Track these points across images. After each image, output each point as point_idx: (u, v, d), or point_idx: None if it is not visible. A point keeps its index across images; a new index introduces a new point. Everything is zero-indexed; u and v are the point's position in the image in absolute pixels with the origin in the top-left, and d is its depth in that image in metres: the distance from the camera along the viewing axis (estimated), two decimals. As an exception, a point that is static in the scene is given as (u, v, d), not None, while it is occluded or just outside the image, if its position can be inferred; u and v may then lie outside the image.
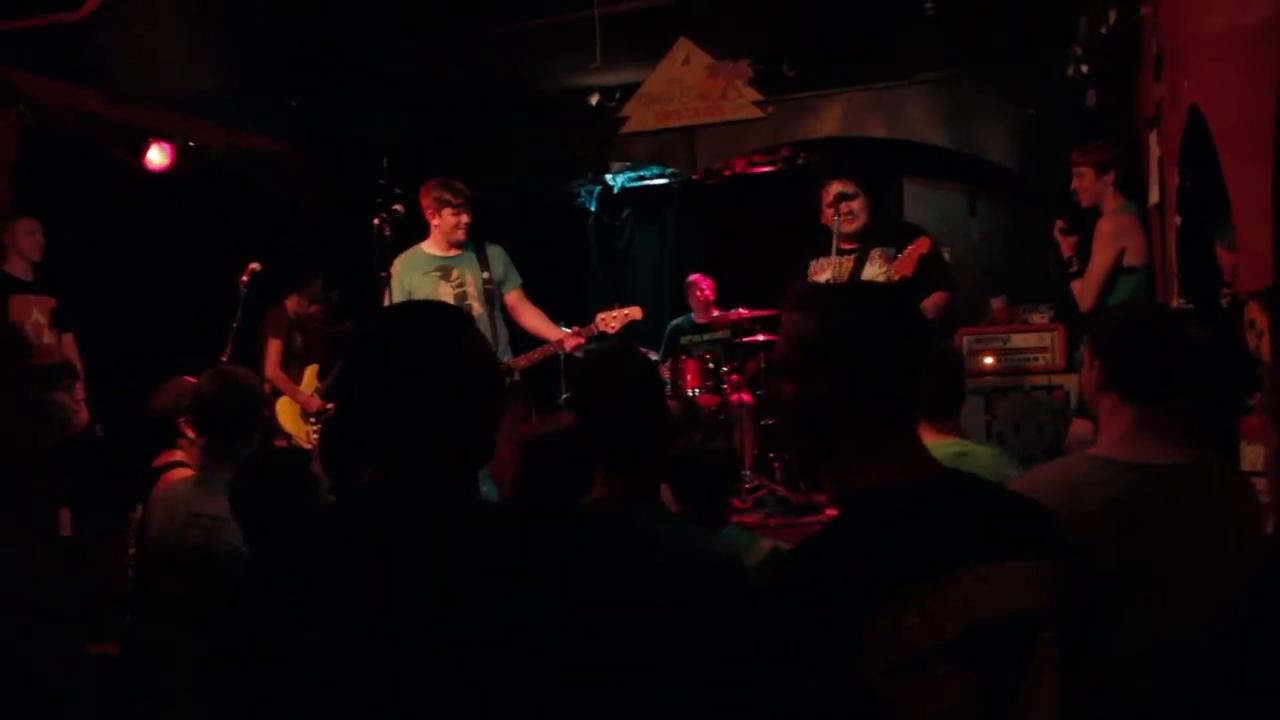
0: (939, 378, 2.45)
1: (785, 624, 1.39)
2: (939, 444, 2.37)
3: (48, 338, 5.17)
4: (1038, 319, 5.73)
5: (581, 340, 4.80)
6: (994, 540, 1.43)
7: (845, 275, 4.49)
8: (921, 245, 4.29)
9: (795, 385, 1.52)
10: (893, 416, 1.50)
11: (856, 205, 4.61)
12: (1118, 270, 4.29)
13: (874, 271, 4.55)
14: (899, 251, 4.46)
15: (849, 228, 4.61)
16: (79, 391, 3.11)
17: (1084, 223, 4.48)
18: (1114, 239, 4.28)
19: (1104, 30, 4.49)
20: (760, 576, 1.52)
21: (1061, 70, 5.02)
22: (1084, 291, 4.40)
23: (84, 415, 3.16)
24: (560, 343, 4.83)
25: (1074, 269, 4.46)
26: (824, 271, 4.71)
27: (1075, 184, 4.46)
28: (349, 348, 1.54)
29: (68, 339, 5.26)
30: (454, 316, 1.57)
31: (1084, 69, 4.81)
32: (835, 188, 4.67)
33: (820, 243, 4.72)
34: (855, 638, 1.32)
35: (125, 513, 3.43)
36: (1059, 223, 4.53)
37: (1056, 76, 5.14)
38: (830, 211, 4.67)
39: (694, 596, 1.76)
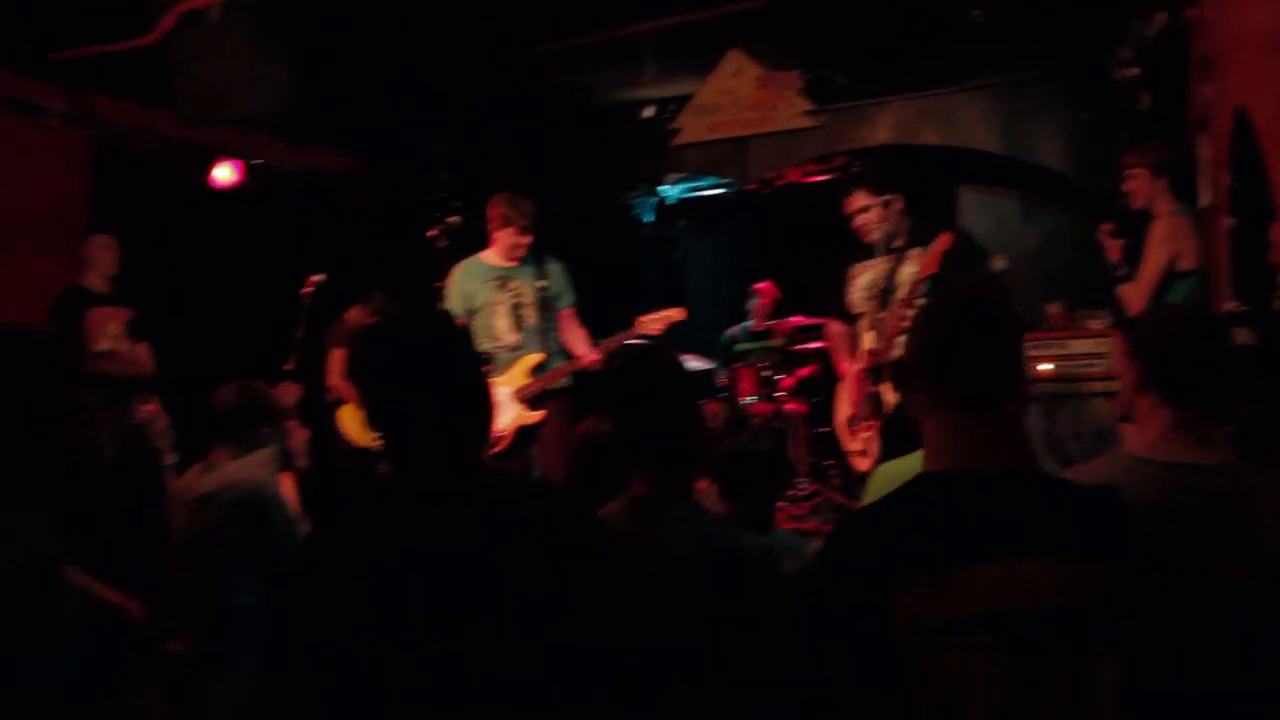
0: None
1: (827, 580, 1.57)
2: None
3: (123, 348, 5.38)
4: (1096, 324, 5.66)
5: (599, 357, 4.91)
6: (1031, 538, 1.52)
7: (883, 277, 4.49)
8: (943, 241, 4.27)
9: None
10: (972, 405, 1.62)
11: (873, 215, 4.59)
12: (1172, 274, 4.25)
13: (909, 271, 4.54)
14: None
15: (871, 238, 4.61)
16: (153, 403, 3.32)
17: (1133, 226, 4.44)
18: (1168, 242, 4.24)
19: (1153, 33, 4.45)
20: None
21: (1111, 73, 4.97)
22: (1135, 295, 4.36)
23: (162, 422, 3.37)
24: (580, 358, 4.98)
25: (1121, 273, 4.42)
26: (863, 274, 4.72)
27: (1129, 186, 4.42)
28: (355, 352, 1.66)
29: (142, 348, 5.46)
30: (438, 326, 1.71)
31: (1134, 72, 4.76)
32: (851, 203, 4.67)
33: (864, 247, 4.73)
34: (885, 600, 1.47)
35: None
36: (1105, 226, 4.50)
37: (1107, 80, 5.09)
38: (854, 222, 4.68)
39: (720, 587, 1.81)
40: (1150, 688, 1.86)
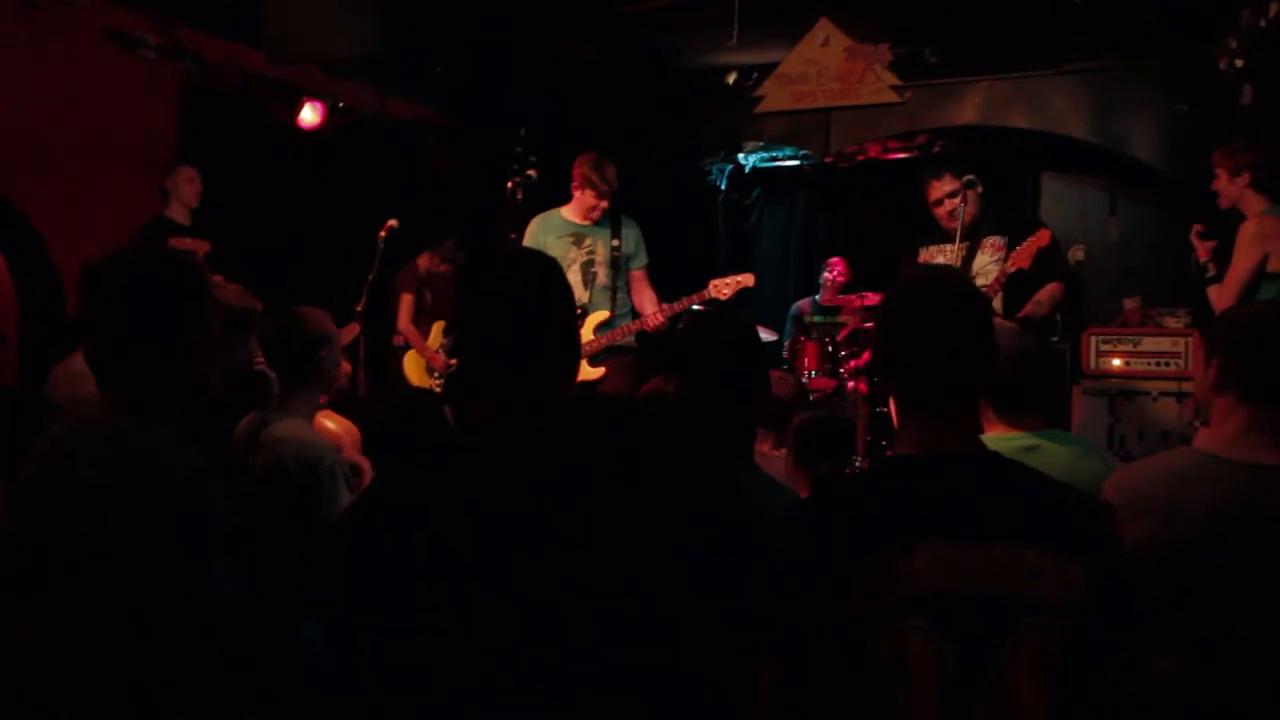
0: (1008, 373, 2.38)
1: (787, 552, 1.55)
2: (1004, 437, 2.34)
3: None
4: (1173, 323, 5.54)
5: (662, 320, 4.92)
6: (985, 522, 1.49)
7: (959, 263, 4.42)
8: (1041, 238, 4.19)
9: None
10: (926, 398, 1.60)
11: (956, 202, 4.53)
12: (1260, 275, 4.13)
13: (985, 260, 4.47)
14: (1014, 241, 4.36)
15: (952, 224, 4.53)
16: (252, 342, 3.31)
17: (1224, 227, 4.33)
18: (1256, 242, 4.13)
19: (1263, 23, 4.30)
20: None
21: (1215, 64, 4.81)
22: (1223, 296, 4.25)
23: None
24: (644, 321, 4.99)
25: (1210, 274, 4.32)
26: (935, 259, 4.66)
27: (1214, 185, 4.32)
28: (458, 291, 1.68)
29: (217, 280, 5.59)
30: (544, 262, 1.71)
31: (1239, 63, 4.60)
32: (936, 189, 4.59)
33: (935, 230, 4.66)
34: (839, 572, 1.48)
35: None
36: (1196, 227, 4.40)
37: (1210, 71, 4.92)
38: (937, 210, 4.62)
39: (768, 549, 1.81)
40: (1206, 682, 1.83)
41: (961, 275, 4.15)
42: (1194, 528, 1.89)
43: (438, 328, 6.37)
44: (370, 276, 5.54)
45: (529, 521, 1.44)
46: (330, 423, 3.11)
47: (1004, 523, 1.50)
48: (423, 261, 6.41)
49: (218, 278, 5.54)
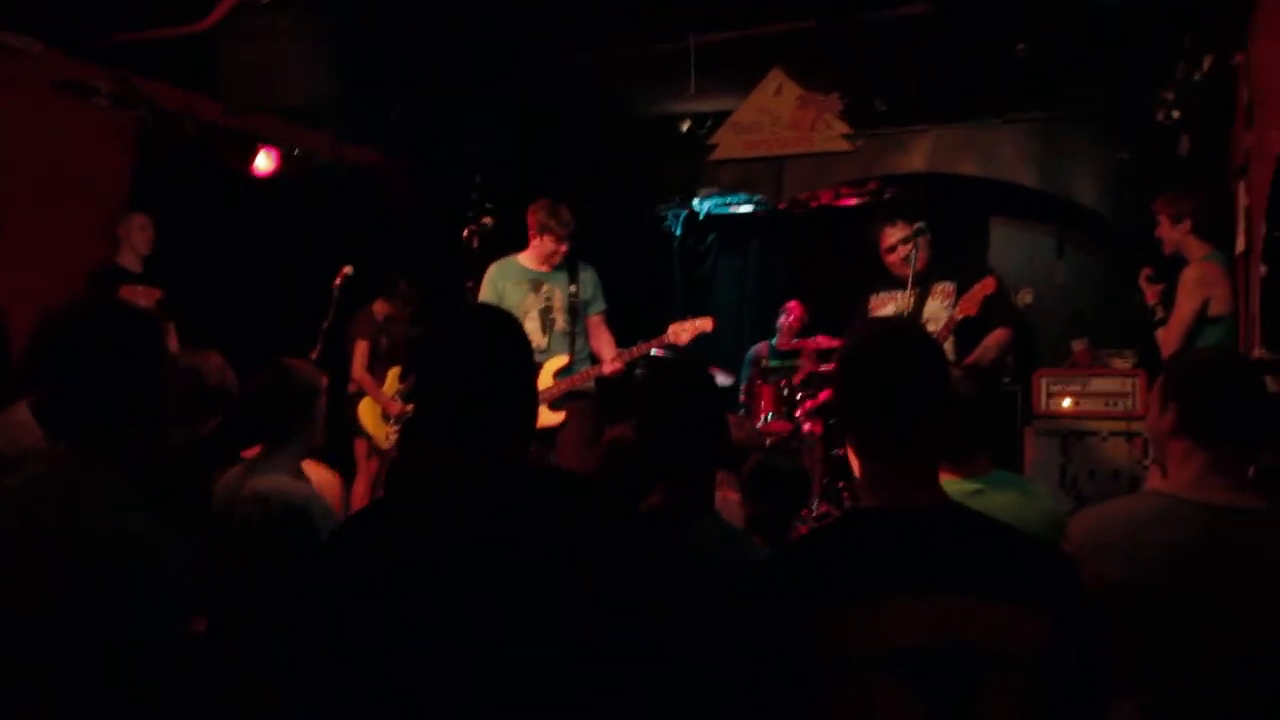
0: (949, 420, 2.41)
1: (749, 612, 1.53)
2: (949, 483, 2.32)
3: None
4: (1120, 364, 5.65)
5: (620, 366, 4.94)
6: (951, 575, 1.49)
7: (909, 309, 4.49)
8: (987, 285, 4.28)
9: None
10: (888, 447, 1.59)
11: (907, 249, 4.61)
12: (1203, 319, 4.25)
13: (936, 306, 4.54)
14: (964, 286, 4.44)
15: (907, 270, 4.61)
16: None
17: (1171, 271, 4.45)
18: (1198, 287, 4.25)
19: (1198, 77, 4.46)
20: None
21: (1153, 115, 4.98)
22: (1168, 339, 4.36)
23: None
24: (602, 366, 5.00)
25: (1158, 317, 4.43)
26: (886, 306, 4.72)
27: (1158, 231, 4.46)
28: (415, 344, 1.70)
29: (168, 329, 5.51)
30: (503, 317, 1.73)
31: (1176, 115, 4.77)
32: (890, 235, 4.68)
33: (885, 277, 4.73)
34: (805, 627, 1.46)
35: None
36: (1146, 270, 4.52)
37: (1150, 121, 5.09)
38: (890, 256, 4.69)
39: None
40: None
41: (917, 324, 4.24)
42: (1156, 570, 1.91)
43: (393, 374, 6.33)
44: (325, 324, 5.50)
45: (493, 568, 1.44)
46: (312, 473, 3.06)
47: (970, 576, 1.50)
48: (378, 308, 6.39)
49: (169, 326, 5.49)
